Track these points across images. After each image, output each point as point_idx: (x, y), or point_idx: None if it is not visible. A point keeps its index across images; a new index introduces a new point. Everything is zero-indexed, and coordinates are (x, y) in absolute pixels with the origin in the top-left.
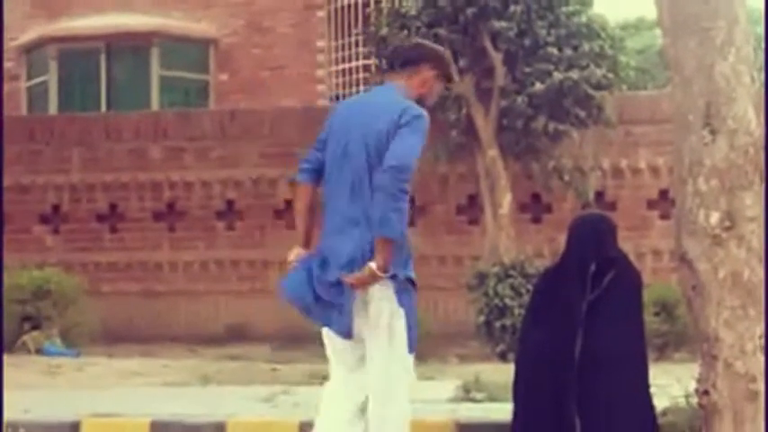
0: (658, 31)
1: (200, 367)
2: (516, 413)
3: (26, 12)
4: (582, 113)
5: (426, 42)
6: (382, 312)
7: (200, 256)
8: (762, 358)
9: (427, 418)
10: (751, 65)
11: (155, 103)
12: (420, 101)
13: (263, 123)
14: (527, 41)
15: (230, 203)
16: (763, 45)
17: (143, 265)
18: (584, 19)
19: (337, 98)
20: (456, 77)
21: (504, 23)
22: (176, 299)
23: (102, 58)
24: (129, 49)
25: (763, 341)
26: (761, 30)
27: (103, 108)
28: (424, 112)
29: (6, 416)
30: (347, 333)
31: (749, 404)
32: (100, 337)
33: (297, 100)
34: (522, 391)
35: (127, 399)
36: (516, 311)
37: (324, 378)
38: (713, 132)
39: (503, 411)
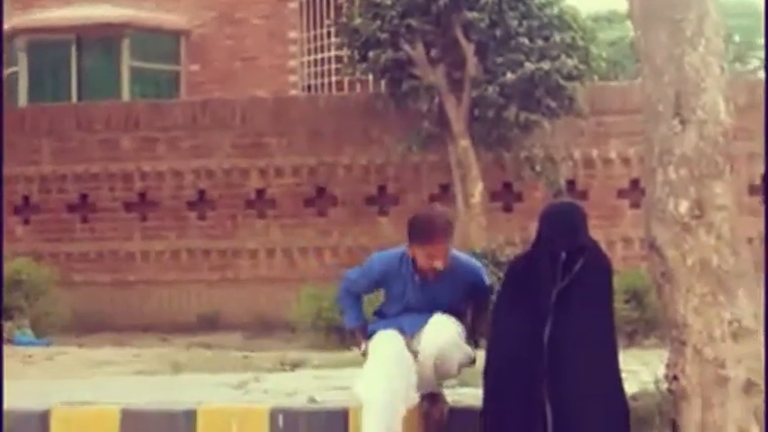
0: (630, 24)
1: (171, 356)
2: (487, 399)
3: None
4: (553, 104)
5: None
6: None
7: (172, 246)
8: (731, 343)
9: None
10: (721, 56)
11: (125, 94)
12: None
13: (234, 114)
14: (499, 32)
15: (202, 193)
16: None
17: (114, 255)
18: (555, 10)
19: (309, 89)
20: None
21: (475, 14)
22: (148, 288)
23: (73, 49)
24: (99, 40)
25: (734, 327)
26: (731, 22)
27: (74, 99)
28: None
29: None
30: None
31: (718, 389)
32: (71, 327)
33: (269, 90)
34: (493, 377)
35: (97, 387)
36: None
37: (294, 365)
38: (683, 122)
39: (474, 397)
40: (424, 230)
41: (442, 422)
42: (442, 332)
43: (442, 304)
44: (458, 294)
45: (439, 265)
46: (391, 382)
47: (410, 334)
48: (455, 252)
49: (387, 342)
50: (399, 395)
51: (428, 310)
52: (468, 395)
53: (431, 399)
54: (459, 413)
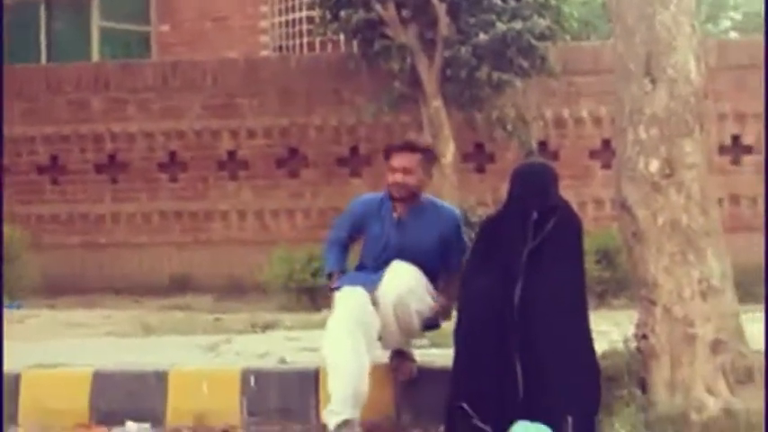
0: None
1: (142, 318)
2: (458, 359)
3: None
4: (525, 64)
5: None
6: None
7: (143, 208)
8: (700, 302)
9: None
10: (692, 15)
11: (95, 55)
12: None
13: (205, 75)
14: None
15: (173, 155)
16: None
17: (85, 218)
18: None
19: (281, 49)
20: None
21: None
22: (119, 251)
23: (42, 9)
24: (68, 0)
25: (703, 286)
26: None
27: (43, 60)
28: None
29: None
30: None
31: (686, 348)
32: (42, 290)
33: (240, 51)
34: (464, 337)
35: (68, 350)
36: None
37: (265, 327)
38: (653, 81)
39: (444, 357)
40: (392, 145)
41: (410, 379)
42: (401, 277)
43: (417, 247)
44: (433, 240)
45: (398, 177)
46: (354, 341)
47: (374, 287)
48: (436, 199)
49: (348, 299)
50: (363, 351)
51: (404, 253)
52: (439, 356)
53: (399, 356)
54: (430, 373)
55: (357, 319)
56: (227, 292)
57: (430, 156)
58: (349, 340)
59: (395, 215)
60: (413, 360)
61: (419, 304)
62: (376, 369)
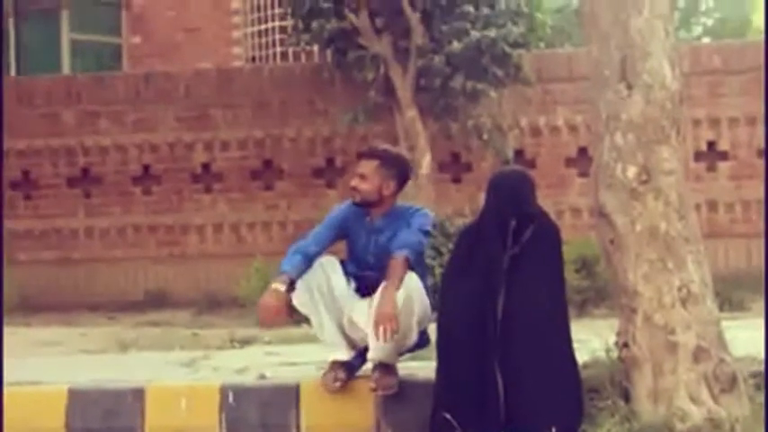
0: None
1: (119, 334)
2: (439, 372)
3: None
4: (500, 72)
5: None
6: None
7: (117, 222)
8: (680, 310)
9: None
10: (666, 19)
11: (66, 68)
12: None
13: (178, 86)
14: (444, 0)
15: (146, 168)
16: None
17: (58, 233)
18: None
19: (254, 60)
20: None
21: None
22: (94, 266)
23: (11, 22)
24: (37, 12)
25: (683, 293)
26: None
27: (13, 73)
28: None
29: None
30: None
31: (668, 355)
32: (17, 307)
33: (213, 62)
34: (445, 350)
35: (44, 367)
36: (437, 271)
37: (243, 342)
38: (629, 87)
39: (426, 370)
40: (358, 152)
41: (392, 392)
42: (410, 278)
43: (391, 251)
44: None
45: (354, 182)
46: (330, 313)
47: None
48: (411, 205)
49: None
50: (342, 313)
51: (382, 258)
52: (420, 368)
53: (381, 369)
54: (411, 387)
55: (323, 295)
56: (204, 306)
57: (389, 161)
58: (326, 315)
59: (368, 220)
60: (395, 374)
61: (419, 314)
62: (355, 383)
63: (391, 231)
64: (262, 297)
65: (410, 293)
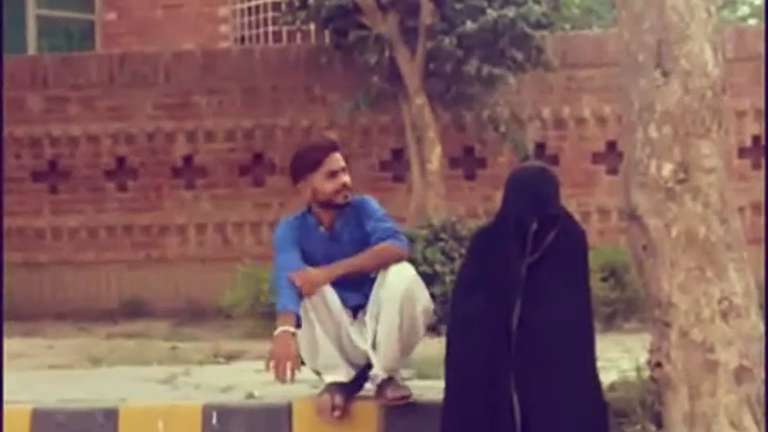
0: None
1: (89, 347)
2: (448, 391)
3: None
4: (519, 56)
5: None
6: None
7: (88, 222)
8: (721, 324)
9: None
10: None
11: (32, 47)
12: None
13: (157, 69)
14: None
15: (121, 161)
16: None
17: (21, 233)
18: None
19: (243, 40)
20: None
21: None
22: (61, 270)
23: None
24: None
25: (724, 305)
26: None
27: None
28: None
29: None
30: None
31: (707, 376)
32: None
33: (196, 43)
34: (455, 368)
35: (6, 384)
36: (448, 278)
37: (229, 356)
38: (665, 74)
39: (433, 390)
40: (314, 150)
41: (403, 403)
42: (408, 270)
43: (359, 250)
44: (366, 236)
45: (346, 179)
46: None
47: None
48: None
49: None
50: (341, 328)
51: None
52: (427, 388)
53: (389, 383)
54: (417, 408)
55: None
56: (185, 316)
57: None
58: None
59: (322, 229)
60: (404, 387)
61: (424, 302)
62: (357, 404)
63: (350, 232)
64: (272, 346)
65: (410, 285)
